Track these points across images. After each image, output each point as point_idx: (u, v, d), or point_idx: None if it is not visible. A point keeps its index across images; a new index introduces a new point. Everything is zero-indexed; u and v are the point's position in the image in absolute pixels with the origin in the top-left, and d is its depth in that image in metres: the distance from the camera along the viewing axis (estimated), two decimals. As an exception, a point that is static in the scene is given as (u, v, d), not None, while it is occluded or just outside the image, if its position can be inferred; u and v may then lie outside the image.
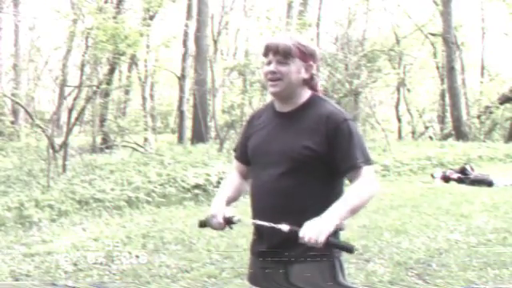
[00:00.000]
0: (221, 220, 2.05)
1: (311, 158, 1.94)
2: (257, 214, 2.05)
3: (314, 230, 1.77)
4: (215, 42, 20.60)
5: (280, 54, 1.98)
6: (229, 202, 2.16)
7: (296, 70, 2.00)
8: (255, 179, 2.10)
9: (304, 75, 2.03)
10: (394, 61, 19.86)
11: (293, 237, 1.82)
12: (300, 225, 1.82)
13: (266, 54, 2.03)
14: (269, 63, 2.02)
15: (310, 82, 2.05)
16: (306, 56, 2.02)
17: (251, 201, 2.13)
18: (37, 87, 20.41)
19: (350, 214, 1.89)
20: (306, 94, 2.06)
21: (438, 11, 18.36)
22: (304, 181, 1.96)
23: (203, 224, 2.13)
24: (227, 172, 5.71)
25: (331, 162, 1.95)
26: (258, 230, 2.08)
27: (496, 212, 6.31)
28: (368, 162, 1.97)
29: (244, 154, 2.18)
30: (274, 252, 2.00)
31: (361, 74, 14.18)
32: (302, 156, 1.94)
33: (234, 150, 2.33)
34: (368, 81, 14.41)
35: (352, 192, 1.93)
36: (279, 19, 15.42)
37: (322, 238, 1.76)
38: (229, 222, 2.06)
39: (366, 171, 1.95)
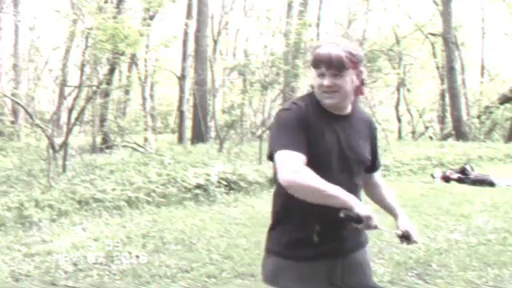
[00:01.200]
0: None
1: (369, 161, 2.18)
2: (325, 220, 1.95)
3: None
4: (215, 41, 20.60)
5: (334, 67, 1.96)
6: None
7: (350, 80, 2.00)
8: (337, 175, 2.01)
9: (357, 82, 2.03)
10: (394, 61, 19.87)
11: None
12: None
13: (317, 66, 1.99)
14: (321, 75, 1.98)
15: (360, 88, 2.06)
16: (357, 64, 2.01)
17: (313, 206, 1.91)
18: (37, 87, 20.41)
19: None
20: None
21: (438, 11, 18.37)
22: (360, 180, 2.15)
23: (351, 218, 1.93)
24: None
25: (371, 162, 2.21)
26: (330, 231, 2.00)
27: (496, 212, 6.32)
28: (381, 164, 2.42)
29: (306, 150, 1.98)
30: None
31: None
32: (368, 160, 2.16)
33: (291, 147, 1.93)
34: (368, 81, 14.39)
35: (390, 191, 2.40)
36: (279, 19, 15.41)
37: None
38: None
39: (380, 173, 2.38)
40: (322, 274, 2.03)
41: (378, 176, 2.36)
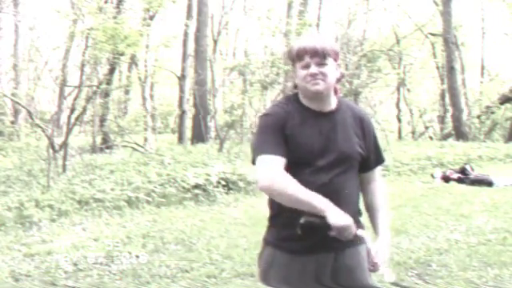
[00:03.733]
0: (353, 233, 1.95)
1: (360, 156, 2.12)
2: (310, 214, 1.97)
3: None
4: (215, 41, 20.58)
5: (319, 55, 2.01)
6: None
7: (333, 69, 2.06)
8: (304, 179, 1.96)
9: (337, 74, 2.09)
10: (394, 61, 19.85)
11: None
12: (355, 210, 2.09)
13: (301, 58, 2.03)
14: (305, 66, 2.02)
15: (338, 82, 2.11)
16: (336, 56, 2.08)
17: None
18: (37, 87, 20.41)
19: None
20: (333, 95, 2.13)
21: (438, 11, 18.36)
22: (351, 177, 2.11)
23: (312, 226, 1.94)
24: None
25: (365, 158, 2.15)
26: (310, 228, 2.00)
27: (496, 212, 6.31)
28: (384, 161, 2.28)
29: (285, 150, 2.02)
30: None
31: (361, 74, 14.18)
32: (356, 155, 2.10)
33: (270, 151, 1.99)
34: (368, 81, 14.41)
35: (385, 202, 2.24)
36: (279, 19, 15.42)
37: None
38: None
39: (380, 171, 2.25)
40: (310, 271, 2.06)
41: (373, 178, 2.23)
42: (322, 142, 2.04)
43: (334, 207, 1.89)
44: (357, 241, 1.98)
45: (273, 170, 1.93)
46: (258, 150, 2.00)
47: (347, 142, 2.08)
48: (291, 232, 1.97)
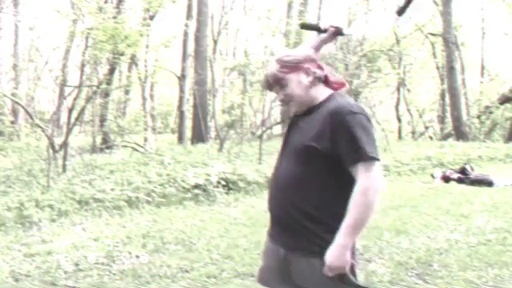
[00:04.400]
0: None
1: (314, 154, 1.99)
2: (268, 200, 2.20)
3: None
4: (215, 41, 20.59)
5: (275, 83, 2.15)
6: None
7: (296, 83, 2.10)
8: (276, 168, 2.20)
9: (307, 80, 2.10)
10: (394, 61, 19.87)
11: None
12: (306, 211, 2.01)
13: (268, 89, 2.24)
14: (276, 93, 2.19)
15: (319, 80, 2.13)
16: (295, 67, 2.11)
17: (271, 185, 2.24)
18: (37, 87, 20.40)
19: (354, 230, 1.94)
20: (324, 92, 2.12)
21: (438, 11, 18.36)
22: (309, 175, 2.01)
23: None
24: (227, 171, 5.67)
25: (336, 156, 1.96)
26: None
27: (496, 212, 6.31)
28: (367, 158, 1.91)
29: None
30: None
31: (361, 74, 14.18)
32: (305, 153, 2.02)
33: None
34: (368, 81, 14.43)
35: (350, 205, 1.91)
36: (279, 19, 15.43)
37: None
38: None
39: (364, 168, 1.91)
40: (275, 262, 2.15)
41: (355, 177, 1.96)
42: (285, 141, 2.20)
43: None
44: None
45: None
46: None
47: (300, 136, 2.07)
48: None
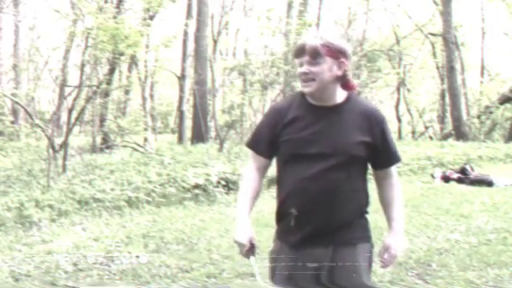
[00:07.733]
0: (247, 249, 2.11)
1: (364, 153, 2.08)
2: (301, 205, 2.06)
3: None
4: (215, 41, 20.59)
5: (310, 54, 2.03)
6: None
7: (328, 68, 2.04)
8: (297, 172, 2.07)
9: (337, 72, 2.07)
10: (394, 61, 19.87)
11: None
12: (343, 216, 2.07)
13: (297, 56, 2.08)
14: (301, 64, 2.06)
15: (343, 79, 2.10)
16: (336, 53, 2.05)
17: (290, 193, 2.11)
18: (37, 87, 20.40)
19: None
20: (341, 92, 2.12)
21: (438, 11, 18.35)
22: (351, 174, 2.07)
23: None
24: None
25: (373, 157, 2.12)
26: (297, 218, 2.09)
27: (496, 212, 6.31)
28: (399, 160, 2.22)
29: (269, 148, 2.17)
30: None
31: (361, 74, 14.18)
32: (356, 150, 2.06)
33: (250, 145, 2.25)
34: (368, 81, 14.42)
35: (399, 198, 2.22)
36: (279, 19, 15.40)
37: None
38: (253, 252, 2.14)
39: (395, 169, 2.23)
40: (310, 269, 2.07)
41: (386, 175, 2.23)
42: (317, 136, 2.05)
43: (240, 218, 2.09)
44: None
45: (247, 167, 2.22)
46: (249, 139, 2.27)
47: (343, 139, 2.05)
48: (286, 223, 2.09)
